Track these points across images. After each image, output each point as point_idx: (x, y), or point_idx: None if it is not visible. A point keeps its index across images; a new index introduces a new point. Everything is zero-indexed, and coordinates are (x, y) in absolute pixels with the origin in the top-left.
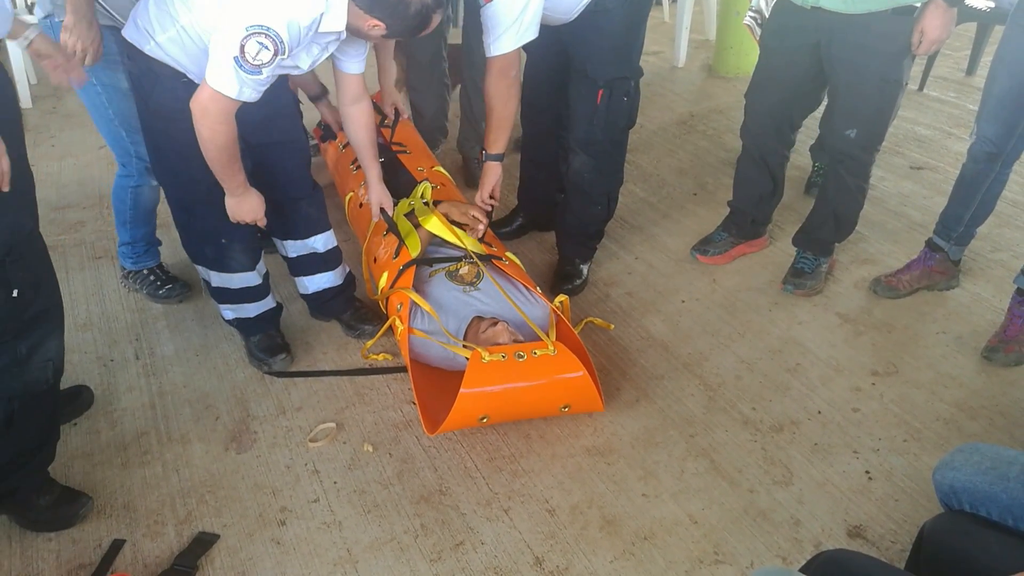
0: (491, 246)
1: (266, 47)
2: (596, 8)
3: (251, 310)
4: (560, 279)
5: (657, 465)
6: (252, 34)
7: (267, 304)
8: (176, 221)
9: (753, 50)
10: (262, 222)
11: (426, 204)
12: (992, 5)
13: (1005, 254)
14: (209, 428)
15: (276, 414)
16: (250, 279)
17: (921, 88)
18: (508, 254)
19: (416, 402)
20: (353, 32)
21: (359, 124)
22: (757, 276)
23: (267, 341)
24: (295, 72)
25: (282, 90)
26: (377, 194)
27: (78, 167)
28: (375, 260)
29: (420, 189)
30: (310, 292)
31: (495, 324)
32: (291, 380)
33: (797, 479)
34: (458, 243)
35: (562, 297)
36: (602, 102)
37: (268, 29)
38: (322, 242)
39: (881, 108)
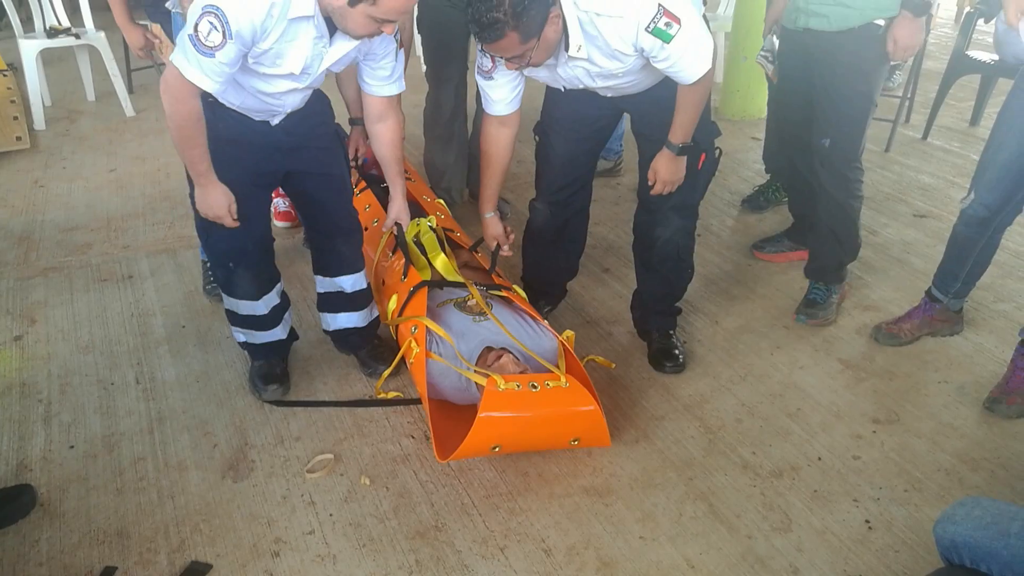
0: (500, 275)
1: (215, 28)
2: None
3: (259, 337)
4: (665, 357)
5: (655, 507)
6: (205, 13)
7: (275, 335)
8: (199, 237)
9: (760, 94)
10: (228, 222)
11: (432, 229)
12: (996, 58)
13: (1008, 305)
14: (207, 455)
15: (274, 443)
16: (255, 308)
17: (925, 137)
18: (515, 287)
19: (429, 425)
20: (326, 12)
21: (383, 141)
22: (759, 319)
23: (266, 369)
24: (295, 79)
25: (317, 122)
26: (397, 210)
27: (88, 189)
28: (383, 283)
29: (425, 221)
30: (331, 329)
31: (501, 356)
32: (291, 410)
33: (796, 526)
34: (464, 283)
35: (568, 332)
36: (704, 165)
37: (217, 9)
38: (350, 283)
39: (853, 120)
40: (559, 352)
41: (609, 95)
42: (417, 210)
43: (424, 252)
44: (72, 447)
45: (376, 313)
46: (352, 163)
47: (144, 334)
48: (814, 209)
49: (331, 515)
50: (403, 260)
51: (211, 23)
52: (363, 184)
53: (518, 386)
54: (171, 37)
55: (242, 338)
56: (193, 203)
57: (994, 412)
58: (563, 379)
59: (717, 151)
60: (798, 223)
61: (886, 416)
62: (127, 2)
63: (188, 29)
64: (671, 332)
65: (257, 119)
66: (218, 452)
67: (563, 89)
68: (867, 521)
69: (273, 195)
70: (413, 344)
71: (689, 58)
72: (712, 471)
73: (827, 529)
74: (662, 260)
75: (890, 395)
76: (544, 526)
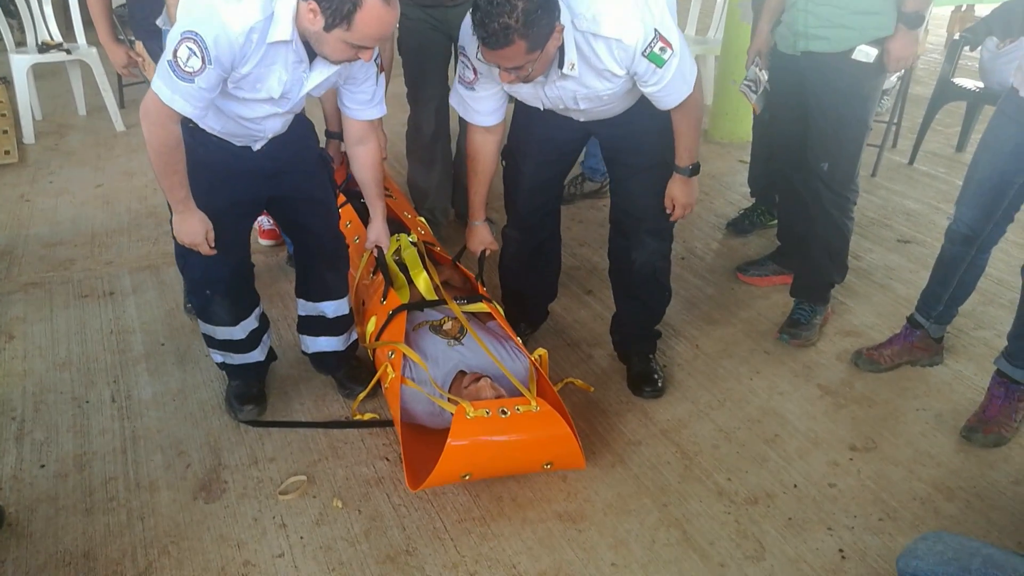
0: (484, 284)
1: (195, 54)
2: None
3: (237, 359)
4: (644, 381)
5: (628, 534)
6: (184, 39)
7: (252, 357)
8: (177, 263)
9: (748, 117)
10: (204, 249)
11: (414, 244)
12: (981, 85)
13: (988, 332)
14: (179, 476)
15: (248, 464)
16: (233, 333)
17: (911, 162)
18: (494, 302)
19: (402, 454)
20: (304, 36)
21: (363, 164)
22: (740, 344)
23: (243, 389)
24: (274, 105)
25: (301, 146)
26: (376, 232)
27: (74, 204)
28: (363, 303)
29: (406, 237)
30: (311, 351)
31: (478, 380)
32: (266, 430)
33: (769, 555)
34: (445, 299)
35: (541, 351)
36: None
37: (196, 35)
38: (332, 309)
39: (850, 143)
40: (531, 375)
41: (582, 119)
42: (398, 227)
43: (406, 270)
44: (43, 466)
45: (355, 336)
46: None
47: (123, 351)
48: (806, 227)
49: (302, 538)
50: (384, 282)
51: (190, 49)
52: (342, 199)
53: (487, 412)
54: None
55: (219, 359)
56: (177, 263)
57: (971, 441)
58: (534, 403)
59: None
60: (784, 247)
61: (863, 443)
62: (111, 20)
63: (167, 55)
64: (651, 356)
65: (238, 144)
66: (191, 472)
67: (541, 108)
68: (840, 550)
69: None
70: (389, 369)
71: (676, 83)
72: (687, 497)
73: (800, 558)
74: (640, 284)
75: (868, 422)
76: (515, 552)
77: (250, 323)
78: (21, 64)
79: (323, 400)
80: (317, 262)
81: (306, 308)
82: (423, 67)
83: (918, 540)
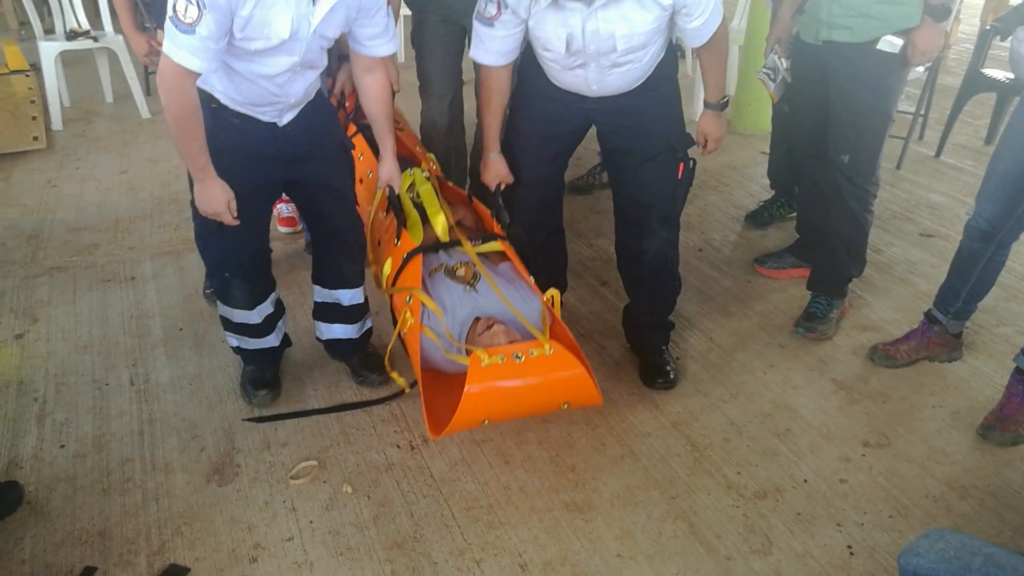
0: (497, 221)
1: (191, 3)
2: (660, 75)
3: (252, 343)
4: (656, 373)
5: (635, 525)
6: None
7: (267, 343)
8: (196, 245)
9: (770, 107)
10: (227, 219)
11: (427, 179)
12: (1012, 76)
13: (1010, 328)
14: (193, 459)
15: (261, 448)
16: (249, 317)
17: (938, 155)
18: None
19: (422, 402)
20: None
21: (372, 96)
22: (754, 337)
23: (257, 374)
24: (288, 52)
25: (322, 132)
26: (388, 170)
27: (99, 190)
28: (379, 243)
29: (419, 171)
30: (325, 338)
31: (491, 326)
32: (278, 412)
33: (776, 549)
34: (460, 240)
35: (552, 291)
36: (683, 174)
37: None
38: (348, 297)
39: (871, 135)
40: (543, 317)
41: (594, 88)
42: (408, 163)
43: (422, 210)
44: (63, 446)
45: (370, 324)
46: (336, 104)
47: (142, 335)
48: (825, 220)
49: (311, 522)
50: (396, 221)
51: (188, 1)
52: (353, 128)
53: (502, 358)
54: None
55: (235, 343)
56: (193, 209)
57: (987, 439)
58: (547, 346)
59: (692, 161)
60: (803, 239)
61: (877, 439)
62: (134, 9)
63: (168, 12)
64: (663, 348)
65: (264, 119)
66: (205, 456)
67: (564, 52)
68: (849, 547)
69: (277, 200)
70: (408, 315)
71: (711, 11)
72: (695, 490)
73: (808, 553)
74: (652, 274)
75: (883, 418)
76: (522, 540)
77: (266, 308)
78: (50, 51)
79: (336, 387)
80: (333, 251)
81: (322, 295)
82: (435, 62)
83: (920, 537)
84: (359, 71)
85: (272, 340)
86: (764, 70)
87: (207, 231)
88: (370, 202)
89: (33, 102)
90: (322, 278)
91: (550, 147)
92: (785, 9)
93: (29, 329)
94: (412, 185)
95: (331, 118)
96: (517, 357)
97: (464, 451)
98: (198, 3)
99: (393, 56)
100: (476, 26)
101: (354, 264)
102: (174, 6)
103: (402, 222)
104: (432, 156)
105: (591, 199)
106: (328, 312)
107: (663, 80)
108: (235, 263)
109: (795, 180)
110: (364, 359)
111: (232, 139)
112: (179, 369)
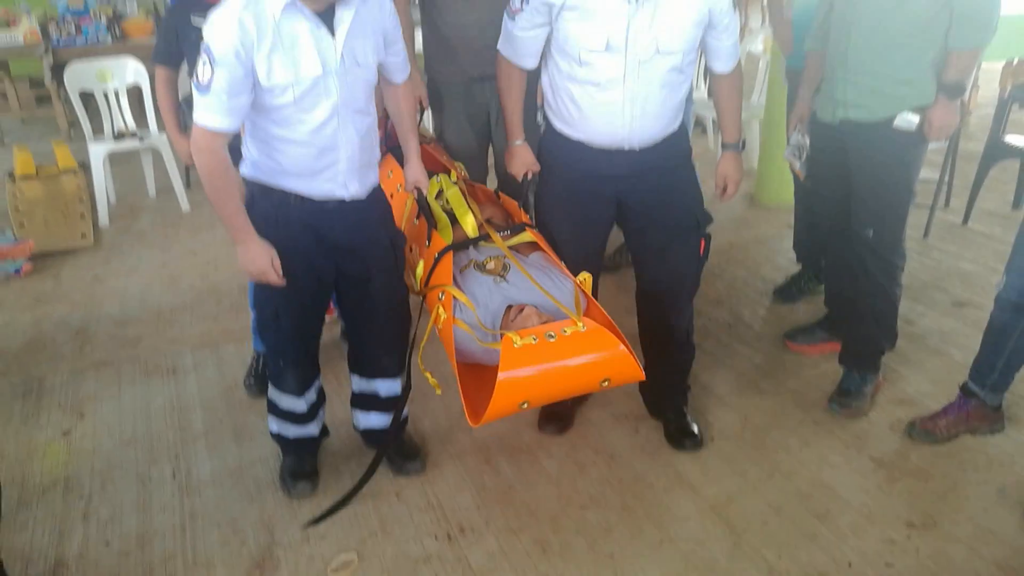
0: (525, 211)
1: (206, 63)
2: (680, 149)
3: (292, 431)
4: (684, 434)
5: None
6: (199, 56)
7: (307, 431)
8: (255, 332)
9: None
10: (273, 278)
11: (454, 182)
12: None
13: None
14: (235, 553)
15: (301, 541)
16: (295, 404)
17: (965, 222)
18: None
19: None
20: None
21: (396, 96)
22: (789, 415)
23: (297, 465)
24: (327, 92)
25: (378, 228)
26: (414, 173)
27: (141, 284)
28: (411, 248)
29: (445, 177)
30: (361, 428)
31: (522, 310)
32: (318, 505)
33: None
34: (490, 234)
35: (584, 275)
36: (704, 251)
37: (205, 48)
38: (385, 388)
39: (895, 209)
40: (576, 299)
41: (625, 137)
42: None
43: (452, 214)
44: (108, 544)
45: (407, 412)
46: None
47: (183, 428)
48: (853, 294)
49: None
50: (427, 224)
51: (202, 62)
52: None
53: (534, 339)
54: None
55: (275, 429)
56: (251, 298)
57: None
58: (580, 324)
59: (709, 236)
60: (832, 313)
61: (921, 520)
62: (178, 114)
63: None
64: (684, 408)
65: (319, 198)
66: (245, 550)
67: (604, 49)
68: None
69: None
70: (441, 311)
71: (736, 39)
72: None
73: None
74: (678, 348)
75: (925, 497)
76: None
77: (311, 396)
78: (99, 152)
79: (374, 476)
80: (375, 345)
81: (360, 384)
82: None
83: None
84: (383, 83)
85: (313, 429)
86: (790, 148)
87: (266, 317)
88: (402, 212)
89: (82, 200)
90: (361, 368)
91: (585, 229)
92: (805, 88)
93: (76, 425)
94: (440, 192)
95: (386, 215)
96: (550, 336)
97: (501, 540)
98: (209, 61)
99: (419, 71)
100: (506, 23)
101: (393, 359)
102: (197, 75)
103: (432, 224)
104: (460, 164)
105: (618, 276)
106: (364, 401)
107: (684, 157)
108: (291, 349)
109: (821, 253)
110: (400, 447)
111: (295, 237)
112: (220, 461)
